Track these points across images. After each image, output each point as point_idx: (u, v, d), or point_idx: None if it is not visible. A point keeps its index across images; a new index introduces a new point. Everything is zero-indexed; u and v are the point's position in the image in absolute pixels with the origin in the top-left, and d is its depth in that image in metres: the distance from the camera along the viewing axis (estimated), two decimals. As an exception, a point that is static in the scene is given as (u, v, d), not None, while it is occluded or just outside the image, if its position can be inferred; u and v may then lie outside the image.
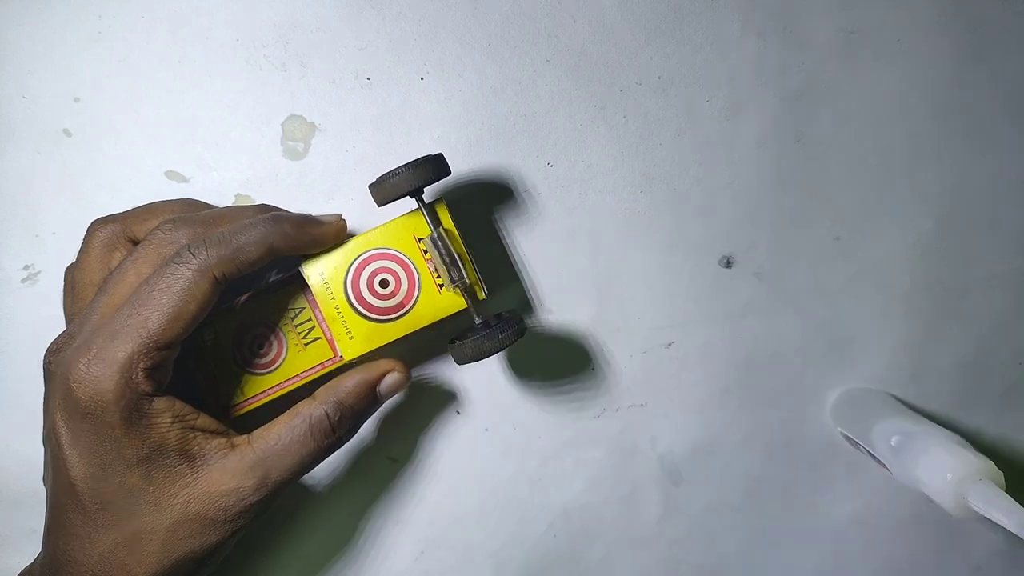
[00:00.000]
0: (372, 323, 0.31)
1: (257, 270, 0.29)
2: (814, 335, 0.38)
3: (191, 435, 0.28)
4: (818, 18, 0.36)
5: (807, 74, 0.36)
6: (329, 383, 0.31)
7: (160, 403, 0.27)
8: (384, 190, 0.29)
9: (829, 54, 0.36)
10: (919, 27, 0.37)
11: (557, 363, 0.37)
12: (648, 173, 0.36)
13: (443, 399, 0.37)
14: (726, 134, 0.36)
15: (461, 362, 0.30)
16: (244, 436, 0.29)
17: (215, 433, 0.29)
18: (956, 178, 0.37)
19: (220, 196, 0.35)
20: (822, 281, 0.37)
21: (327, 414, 0.30)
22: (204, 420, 0.29)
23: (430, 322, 0.31)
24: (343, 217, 0.31)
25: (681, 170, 0.36)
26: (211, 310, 0.28)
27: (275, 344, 0.32)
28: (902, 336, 0.38)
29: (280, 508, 0.36)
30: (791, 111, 0.36)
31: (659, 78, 0.36)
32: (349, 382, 0.31)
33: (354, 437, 0.36)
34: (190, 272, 0.27)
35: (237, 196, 0.35)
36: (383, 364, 0.31)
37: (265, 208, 0.32)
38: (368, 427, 0.36)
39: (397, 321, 0.31)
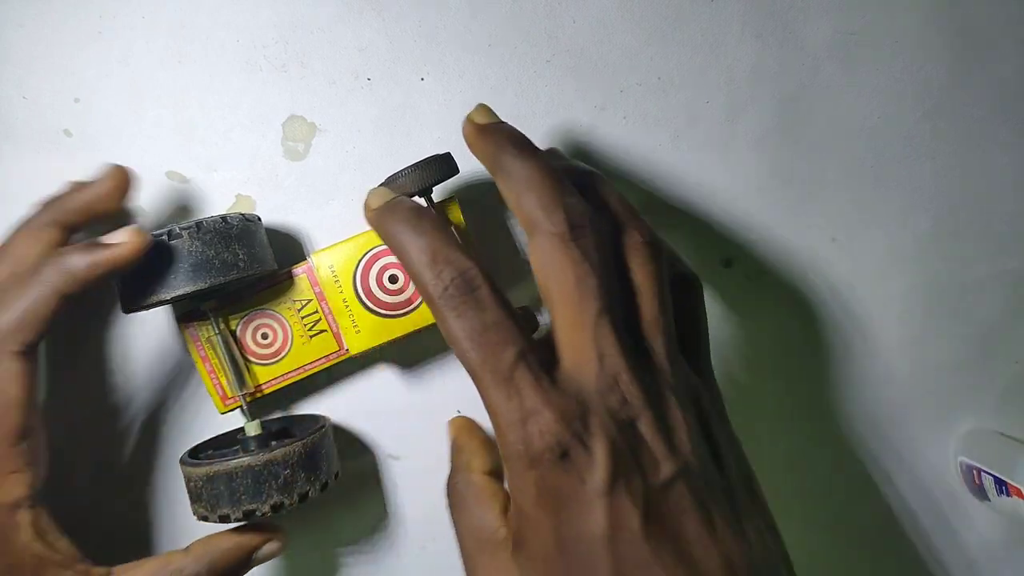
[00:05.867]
0: (379, 318, 0.31)
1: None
2: (814, 335, 0.38)
3: (49, 558, 0.26)
4: (816, 20, 0.36)
5: (805, 75, 0.37)
6: (206, 539, 0.29)
7: (23, 516, 0.25)
8: (392, 190, 0.29)
9: (827, 56, 0.36)
10: (916, 29, 0.37)
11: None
12: (648, 174, 0.36)
13: (444, 397, 0.37)
14: (725, 135, 0.36)
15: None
16: (104, 571, 0.27)
17: (74, 560, 0.27)
18: (953, 179, 0.38)
19: (220, 196, 0.35)
20: (819, 282, 0.38)
21: (197, 574, 0.28)
22: (65, 544, 0.27)
23: None
24: (142, 232, 0.28)
25: (680, 170, 0.36)
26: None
27: (280, 334, 0.32)
28: (899, 336, 0.38)
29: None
30: (789, 112, 0.37)
31: (659, 79, 0.36)
32: (227, 543, 0.29)
33: (354, 436, 0.36)
34: None
35: (237, 196, 0.35)
36: (264, 533, 0.30)
37: (46, 209, 0.29)
38: (368, 426, 0.36)
39: (404, 317, 0.31)
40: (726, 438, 0.27)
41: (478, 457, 0.30)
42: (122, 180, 0.30)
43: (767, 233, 0.37)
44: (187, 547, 0.29)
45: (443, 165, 0.29)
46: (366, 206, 0.28)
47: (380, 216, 0.27)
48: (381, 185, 0.29)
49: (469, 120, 0.28)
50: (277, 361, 0.32)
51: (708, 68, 0.36)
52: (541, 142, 0.35)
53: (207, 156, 0.34)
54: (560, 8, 0.35)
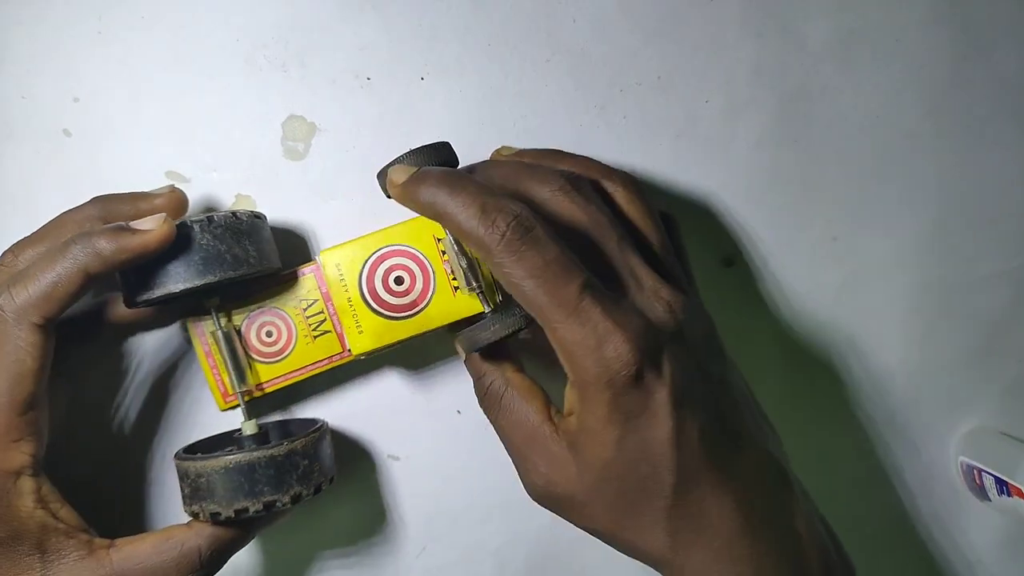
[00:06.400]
0: (383, 319, 0.31)
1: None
2: (814, 335, 0.38)
3: (52, 525, 0.26)
4: (816, 18, 0.36)
5: (805, 74, 0.37)
6: None
7: (25, 483, 0.26)
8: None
9: (827, 54, 0.36)
10: (916, 27, 0.37)
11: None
12: (648, 174, 0.36)
13: (444, 397, 0.37)
14: (725, 134, 0.36)
15: (471, 349, 0.29)
16: (106, 541, 0.27)
17: (77, 530, 0.27)
18: (953, 177, 0.38)
19: (220, 196, 0.35)
20: (820, 281, 0.38)
21: (200, 548, 0.28)
22: (68, 512, 0.27)
23: (442, 323, 0.31)
24: (170, 221, 0.28)
25: (681, 170, 0.36)
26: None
27: (284, 333, 0.31)
28: (900, 335, 0.38)
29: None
30: (789, 111, 0.37)
31: (659, 78, 0.36)
32: None
33: (354, 435, 0.36)
34: (8, 329, 0.25)
35: (237, 196, 0.35)
36: None
37: (95, 203, 0.30)
38: (369, 426, 0.36)
39: (409, 320, 0.31)
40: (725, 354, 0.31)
41: (505, 358, 0.30)
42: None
43: (767, 233, 0.37)
44: (188, 522, 0.29)
45: (440, 153, 0.29)
46: (390, 184, 0.28)
47: (410, 188, 0.27)
48: (379, 174, 0.29)
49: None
50: (280, 360, 0.31)
51: (708, 68, 0.36)
52: (540, 141, 0.35)
53: (207, 156, 0.34)
54: (560, 8, 0.35)
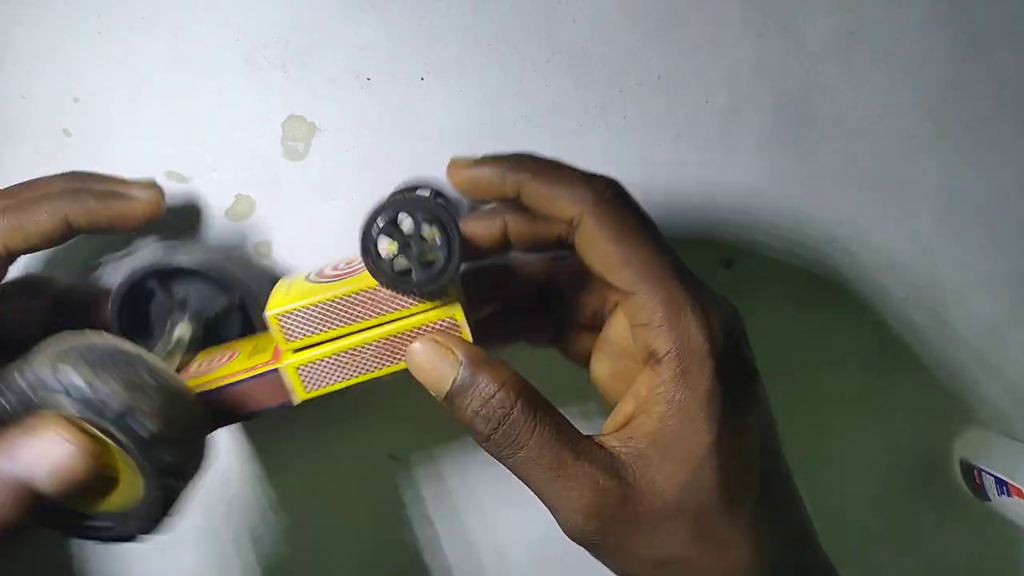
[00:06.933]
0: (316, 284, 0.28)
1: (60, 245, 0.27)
2: (814, 335, 0.38)
3: None
4: (817, 18, 0.36)
5: (805, 74, 0.37)
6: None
7: None
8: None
9: (827, 54, 0.36)
10: (917, 27, 0.37)
11: (558, 360, 0.37)
12: (648, 173, 0.36)
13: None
14: (725, 134, 0.36)
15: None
16: None
17: None
18: (954, 178, 0.38)
19: (220, 196, 0.35)
20: (820, 281, 0.38)
21: None
22: None
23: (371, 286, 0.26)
24: (158, 187, 0.28)
25: (681, 170, 0.36)
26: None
27: (226, 357, 0.29)
28: (900, 335, 0.38)
29: (280, 506, 0.37)
30: (790, 111, 0.37)
31: (659, 78, 0.36)
32: None
33: (354, 435, 0.36)
34: None
35: (237, 196, 0.35)
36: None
37: (75, 176, 0.29)
38: (369, 425, 0.36)
39: (337, 281, 0.27)
40: None
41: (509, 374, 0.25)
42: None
43: (767, 233, 0.37)
44: None
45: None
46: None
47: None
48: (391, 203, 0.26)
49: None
50: (209, 372, 0.28)
51: (708, 67, 0.36)
52: (540, 142, 0.36)
53: (207, 156, 0.34)
54: (560, 8, 0.35)
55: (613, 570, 0.25)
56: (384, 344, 0.27)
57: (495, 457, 0.25)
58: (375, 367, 0.27)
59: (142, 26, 0.34)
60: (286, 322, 0.26)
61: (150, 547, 0.35)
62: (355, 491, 0.37)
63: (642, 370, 0.24)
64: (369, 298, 0.26)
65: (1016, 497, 0.36)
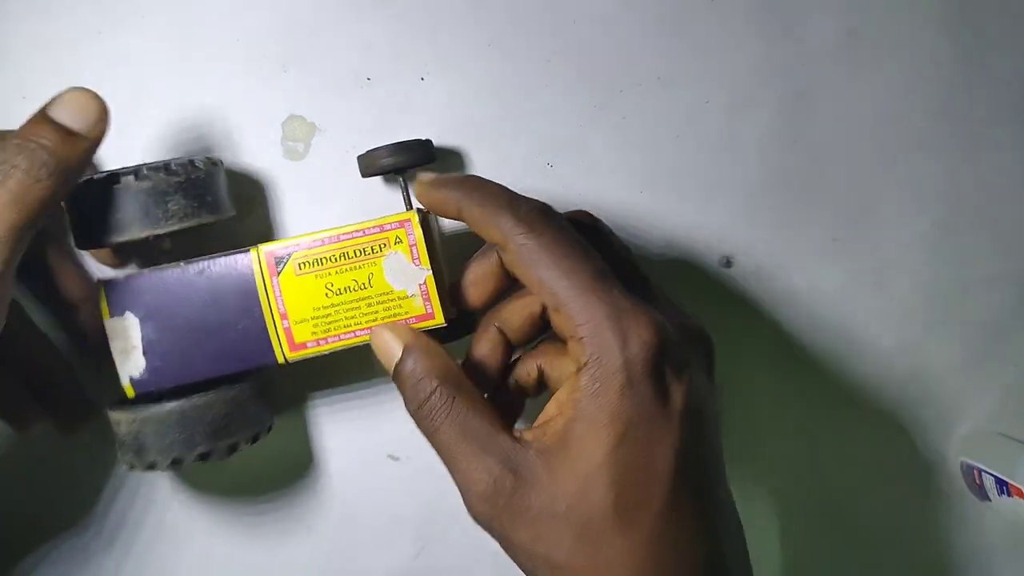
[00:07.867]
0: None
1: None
2: (814, 335, 0.38)
3: None
4: (818, 18, 0.36)
5: (806, 74, 0.37)
6: None
7: None
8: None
9: (828, 54, 0.36)
10: (919, 27, 0.37)
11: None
12: (648, 174, 0.36)
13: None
14: (725, 135, 0.36)
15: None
16: None
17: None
18: (955, 178, 0.38)
19: (220, 196, 0.35)
20: (820, 281, 0.38)
21: None
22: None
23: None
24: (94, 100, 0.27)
25: (681, 171, 0.36)
26: None
27: None
28: (901, 336, 0.38)
29: (280, 506, 0.37)
30: (790, 111, 0.37)
31: (659, 78, 0.36)
32: None
33: (354, 435, 0.36)
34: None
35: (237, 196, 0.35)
36: None
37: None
38: (369, 426, 0.36)
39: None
40: None
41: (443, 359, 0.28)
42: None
43: (767, 233, 0.37)
44: None
45: (427, 147, 0.31)
46: (418, 182, 0.29)
47: (438, 185, 0.28)
48: (361, 161, 0.30)
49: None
50: None
51: (708, 68, 0.36)
52: (540, 141, 0.36)
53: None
54: (560, 7, 0.35)
55: (516, 564, 0.26)
56: (359, 304, 0.30)
57: (420, 432, 0.28)
58: (349, 328, 0.30)
59: (142, 26, 0.34)
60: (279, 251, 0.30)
61: (152, 545, 0.35)
62: (355, 491, 0.37)
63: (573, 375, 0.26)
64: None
65: (1016, 497, 0.36)
